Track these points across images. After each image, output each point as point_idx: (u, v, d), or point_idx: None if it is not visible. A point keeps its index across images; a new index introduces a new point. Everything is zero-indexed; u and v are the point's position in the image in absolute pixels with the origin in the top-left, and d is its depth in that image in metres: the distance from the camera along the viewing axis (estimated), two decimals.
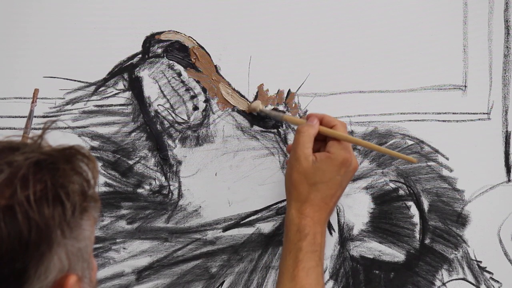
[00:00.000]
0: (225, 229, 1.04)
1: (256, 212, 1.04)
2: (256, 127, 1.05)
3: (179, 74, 1.05)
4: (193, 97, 1.05)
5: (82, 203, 0.65)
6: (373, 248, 1.04)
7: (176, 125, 1.05)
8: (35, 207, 0.60)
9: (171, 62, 1.05)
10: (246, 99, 1.05)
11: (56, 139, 0.68)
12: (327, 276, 1.03)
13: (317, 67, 1.06)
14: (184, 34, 1.06)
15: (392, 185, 1.05)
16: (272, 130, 1.05)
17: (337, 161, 0.91)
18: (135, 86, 1.05)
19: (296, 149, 0.92)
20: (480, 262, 1.05)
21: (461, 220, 1.05)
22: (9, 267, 0.59)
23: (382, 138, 1.05)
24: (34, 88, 1.03)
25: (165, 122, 1.05)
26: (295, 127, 1.05)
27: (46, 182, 0.62)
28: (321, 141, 0.95)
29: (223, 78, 1.05)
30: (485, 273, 1.04)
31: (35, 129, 1.02)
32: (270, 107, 1.05)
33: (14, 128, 1.03)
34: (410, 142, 1.06)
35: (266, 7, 1.06)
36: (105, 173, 1.03)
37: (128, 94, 1.05)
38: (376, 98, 1.06)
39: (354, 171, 0.94)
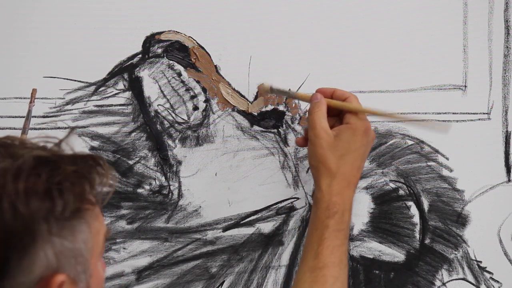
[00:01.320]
0: (225, 229, 1.04)
1: (256, 212, 1.04)
2: (256, 127, 1.05)
3: (179, 74, 1.05)
4: (193, 97, 1.05)
5: (77, 204, 0.65)
6: (373, 248, 1.04)
7: (176, 125, 1.05)
8: (23, 198, 0.61)
9: (171, 62, 1.06)
10: (246, 99, 1.05)
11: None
12: None
13: (317, 67, 1.06)
14: (184, 34, 1.06)
15: (392, 185, 1.05)
16: (272, 130, 1.05)
17: (360, 131, 0.90)
18: (135, 86, 1.05)
19: (314, 127, 0.90)
20: (480, 262, 1.05)
21: (461, 220, 1.05)
22: None
23: (382, 138, 1.05)
24: (32, 88, 1.03)
25: (165, 122, 1.05)
26: (295, 127, 1.05)
27: (40, 176, 0.63)
28: (336, 117, 0.94)
29: (223, 78, 1.06)
30: (485, 273, 1.05)
31: (33, 129, 1.02)
32: (270, 107, 1.05)
33: (14, 128, 1.03)
34: (410, 142, 1.06)
35: (266, 7, 1.06)
36: None
37: (128, 94, 1.05)
38: (376, 98, 1.06)
39: (373, 141, 0.93)
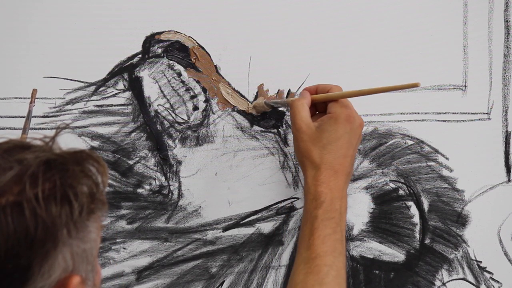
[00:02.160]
0: (225, 229, 1.04)
1: (256, 212, 1.04)
2: (256, 127, 1.05)
3: (179, 74, 1.05)
4: (193, 97, 1.05)
5: (90, 204, 0.65)
6: (373, 248, 1.04)
7: (176, 125, 1.05)
8: (43, 204, 0.60)
9: (171, 62, 1.06)
10: (246, 99, 1.05)
11: (68, 142, 0.69)
12: None
13: (317, 67, 1.06)
14: (184, 34, 1.06)
15: (392, 185, 1.05)
16: (272, 130, 1.05)
17: (341, 119, 0.90)
18: (135, 86, 1.05)
19: (294, 121, 0.91)
20: (480, 262, 1.05)
21: (461, 220, 1.05)
22: (13, 263, 0.60)
23: (382, 138, 1.05)
24: (32, 88, 1.03)
25: (165, 122, 1.05)
26: None
27: (55, 181, 0.62)
28: (324, 112, 0.94)
29: (223, 78, 1.06)
30: (485, 273, 1.04)
31: (34, 129, 1.02)
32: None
33: (14, 128, 1.03)
34: (410, 142, 1.06)
35: (266, 7, 1.06)
36: None
37: (128, 94, 1.05)
38: (376, 98, 1.05)
39: (360, 127, 0.92)
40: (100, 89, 1.05)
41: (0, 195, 0.60)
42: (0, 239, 0.59)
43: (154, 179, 1.04)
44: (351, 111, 0.91)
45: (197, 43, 1.06)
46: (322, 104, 0.95)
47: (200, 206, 1.04)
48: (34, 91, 1.03)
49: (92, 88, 1.05)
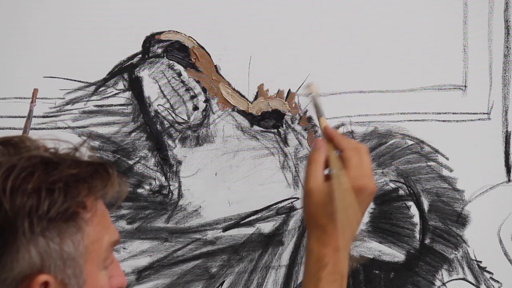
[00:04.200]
0: (225, 229, 1.04)
1: (256, 212, 1.04)
2: (256, 127, 1.05)
3: (179, 74, 1.05)
4: (193, 97, 1.05)
5: (66, 205, 0.64)
6: (373, 248, 1.04)
7: (176, 125, 1.05)
8: (9, 194, 0.62)
9: (171, 62, 1.06)
10: (246, 99, 1.05)
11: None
12: None
13: (317, 67, 1.06)
14: (184, 34, 1.06)
15: (392, 185, 1.05)
16: (272, 130, 1.05)
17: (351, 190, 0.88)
18: (135, 86, 1.05)
19: (309, 181, 0.89)
20: (480, 262, 1.05)
21: (461, 220, 1.05)
22: None
23: (382, 138, 1.05)
24: (33, 88, 1.03)
25: (165, 122, 1.05)
26: (295, 127, 1.05)
27: (34, 174, 0.63)
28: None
29: (223, 78, 1.05)
30: (485, 273, 1.04)
31: (34, 129, 1.02)
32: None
33: (14, 128, 1.03)
34: (410, 142, 1.06)
35: (266, 7, 1.06)
36: None
37: (128, 94, 1.05)
38: (376, 98, 1.06)
39: (372, 195, 0.89)
40: (100, 89, 1.05)
41: None
42: None
43: (154, 179, 1.04)
44: (363, 182, 0.87)
45: (197, 43, 1.06)
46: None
47: (200, 206, 1.04)
48: (35, 91, 1.03)
49: (92, 88, 1.05)
